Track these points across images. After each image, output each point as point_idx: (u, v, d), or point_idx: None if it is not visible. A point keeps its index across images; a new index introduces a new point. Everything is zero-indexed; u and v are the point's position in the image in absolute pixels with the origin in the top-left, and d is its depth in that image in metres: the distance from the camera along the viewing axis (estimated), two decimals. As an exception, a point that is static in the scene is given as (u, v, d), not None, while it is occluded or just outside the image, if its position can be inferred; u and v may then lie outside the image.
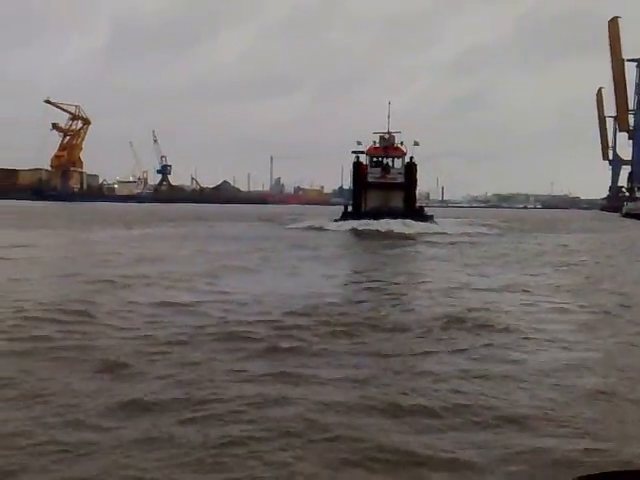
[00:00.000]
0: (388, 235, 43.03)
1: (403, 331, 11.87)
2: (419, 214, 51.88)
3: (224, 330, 11.53)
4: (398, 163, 52.79)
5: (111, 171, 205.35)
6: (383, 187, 51.62)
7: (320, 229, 47.41)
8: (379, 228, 45.77)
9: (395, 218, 48.31)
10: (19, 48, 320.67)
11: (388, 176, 51.84)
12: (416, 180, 53.34)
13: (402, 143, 52.89)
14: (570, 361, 9.87)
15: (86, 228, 45.39)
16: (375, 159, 52.93)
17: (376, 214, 49.41)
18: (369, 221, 48.04)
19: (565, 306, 15.11)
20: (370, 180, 51.98)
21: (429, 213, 54.94)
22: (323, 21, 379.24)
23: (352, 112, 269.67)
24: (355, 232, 45.22)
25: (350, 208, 52.56)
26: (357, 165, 52.94)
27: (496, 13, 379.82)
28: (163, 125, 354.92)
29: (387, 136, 52.73)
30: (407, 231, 45.13)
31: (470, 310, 13.85)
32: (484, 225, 62.12)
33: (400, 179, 51.86)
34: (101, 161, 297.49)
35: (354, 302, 15.31)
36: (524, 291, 17.57)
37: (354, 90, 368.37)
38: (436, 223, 52.02)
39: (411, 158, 52.58)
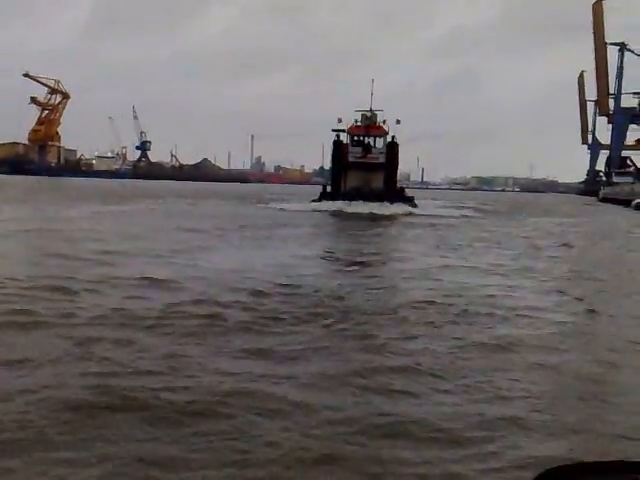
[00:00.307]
0: (367, 216, 41.49)
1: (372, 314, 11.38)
2: (400, 196, 50.01)
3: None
4: (380, 143, 50.68)
5: (90, 146, 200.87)
6: (364, 167, 49.57)
7: (296, 210, 45.43)
8: (358, 209, 44.03)
9: (375, 199, 46.51)
10: None
11: (369, 156, 49.75)
12: (397, 161, 51.39)
13: (384, 122, 50.86)
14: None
15: (62, 204, 43.31)
16: (356, 138, 50.76)
17: (355, 195, 47.56)
18: (348, 202, 46.18)
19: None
20: (351, 160, 49.88)
21: (410, 195, 53.10)
22: (310, 0, 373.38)
23: (336, 92, 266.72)
24: (332, 213, 43.40)
25: (329, 188, 50.48)
26: (337, 144, 50.79)
27: None
28: (144, 100, 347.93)
29: (369, 114, 50.54)
30: (386, 212, 43.61)
31: (444, 294, 13.42)
32: (463, 207, 60.67)
33: (381, 159, 49.79)
34: (80, 136, 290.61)
35: (325, 285, 14.42)
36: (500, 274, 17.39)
37: (339, 70, 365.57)
38: (416, 205, 50.23)
39: (393, 137, 50.61)
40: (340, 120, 49.90)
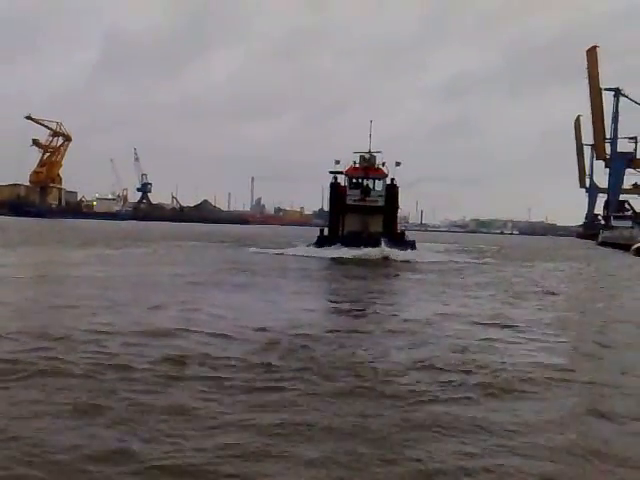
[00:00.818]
0: (366, 262, 38.82)
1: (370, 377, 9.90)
2: (400, 240, 47.22)
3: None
4: (379, 185, 48.06)
5: (91, 188, 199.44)
6: (362, 210, 46.87)
7: (293, 255, 42.74)
8: (356, 254, 41.29)
9: (374, 244, 43.71)
10: (5, 64, 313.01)
11: (368, 199, 47.08)
12: (397, 204, 48.76)
13: (384, 164, 48.33)
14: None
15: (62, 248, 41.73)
16: (354, 180, 48.17)
17: (354, 239, 44.79)
18: (346, 247, 43.44)
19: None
20: (349, 202, 47.20)
21: (410, 239, 50.34)
22: (313, 46, 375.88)
23: (337, 136, 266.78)
24: (330, 258, 40.69)
25: (326, 232, 47.66)
26: (334, 186, 48.17)
27: (482, 42, 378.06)
28: (146, 143, 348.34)
29: (368, 156, 48.04)
30: (386, 257, 40.89)
31: (446, 352, 11.90)
32: (465, 252, 57.98)
33: (381, 202, 47.12)
34: (81, 178, 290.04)
35: (318, 337, 13.04)
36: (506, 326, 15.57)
37: (340, 114, 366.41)
38: (417, 250, 47.45)
39: (392, 180, 48.01)
40: (338, 162, 47.45)
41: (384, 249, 42.23)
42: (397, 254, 42.33)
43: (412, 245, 47.77)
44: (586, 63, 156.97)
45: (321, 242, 45.94)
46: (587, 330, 16.15)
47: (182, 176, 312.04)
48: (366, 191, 47.41)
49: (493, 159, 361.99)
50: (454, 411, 8.28)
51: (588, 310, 20.59)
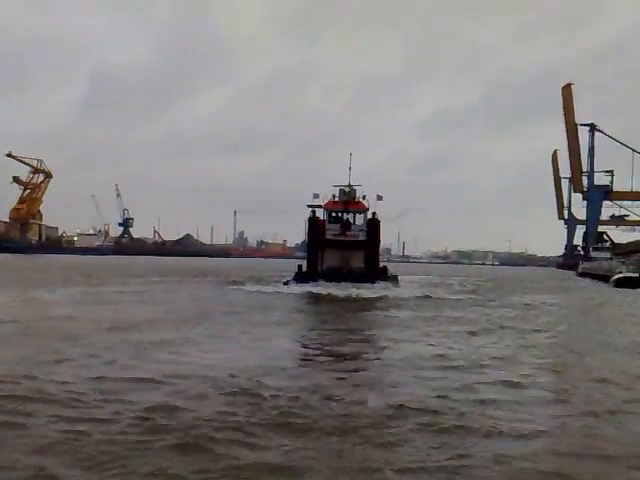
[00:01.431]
0: (346, 299, 36.05)
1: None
2: (382, 276, 44.42)
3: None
4: (359, 219, 45.37)
5: (73, 224, 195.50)
6: (342, 245, 44.11)
7: (270, 293, 39.65)
8: (336, 291, 38.51)
9: (355, 280, 40.96)
10: None
11: (348, 233, 44.33)
12: (379, 238, 46.07)
13: (364, 197, 45.70)
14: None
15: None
16: (334, 214, 45.46)
17: (334, 275, 41.98)
18: (325, 283, 40.57)
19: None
20: (328, 237, 44.43)
21: (393, 273, 47.55)
22: (299, 83, 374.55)
23: (321, 170, 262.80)
24: (308, 296, 37.80)
25: (305, 268, 44.72)
26: (313, 221, 44.84)
27: (464, 79, 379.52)
28: (129, 178, 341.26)
29: (347, 189, 45.44)
30: (367, 295, 38.09)
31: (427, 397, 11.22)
32: (449, 285, 55.39)
33: (362, 237, 44.35)
34: (63, 214, 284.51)
35: (293, 385, 12.01)
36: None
37: (325, 149, 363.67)
38: (399, 286, 44.69)
39: (374, 214, 45.34)
40: (316, 195, 44.80)
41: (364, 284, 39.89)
42: (377, 289, 39.73)
43: (394, 280, 45.10)
44: (561, 100, 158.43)
45: (299, 278, 43.03)
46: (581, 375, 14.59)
47: (164, 210, 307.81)
48: (346, 225, 44.72)
49: (474, 192, 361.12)
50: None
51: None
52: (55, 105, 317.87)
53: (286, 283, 43.48)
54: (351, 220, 45.31)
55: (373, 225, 44.76)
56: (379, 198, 44.86)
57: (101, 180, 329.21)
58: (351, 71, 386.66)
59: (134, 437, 8.54)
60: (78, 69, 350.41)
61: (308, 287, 40.21)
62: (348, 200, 44.94)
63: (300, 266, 44.96)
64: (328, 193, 45.55)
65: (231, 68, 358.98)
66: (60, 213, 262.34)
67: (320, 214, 45.51)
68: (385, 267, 46.98)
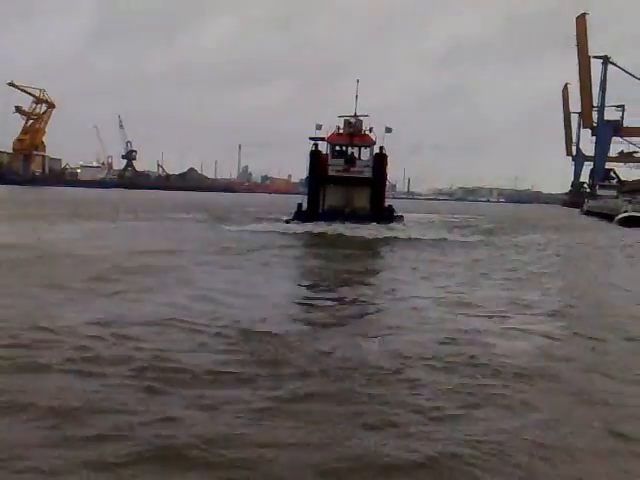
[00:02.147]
0: (349, 241, 32.28)
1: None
2: (388, 216, 40.22)
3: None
4: (365, 154, 40.75)
5: (75, 156, 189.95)
6: (346, 182, 39.77)
7: (269, 232, 35.71)
8: (338, 232, 34.77)
9: (359, 221, 36.92)
10: None
11: (353, 169, 39.88)
12: (386, 175, 41.61)
13: (371, 130, 40.99)
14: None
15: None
16: (338, 148, 40.86)
17: (336, 215, 37.92)
18: (327, 223, 36.54)
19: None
20: (331, 173, 40.03)
21: (398, 213, 43.33)
22: (310, 13, 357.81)
23: (329, 104, 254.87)
24: (308, 236, 33.99)
25: (305, 206, 40.43)
26: (315, 155, 39.80)
27: (479, 9, 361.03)
28: (132, 111, 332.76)
29: (353, 120, 40.69)
30: (373, 236, 34.29)
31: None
32: (455, 225, 51.36)
33: (367, 173, 39.86)
34: (65, 145, 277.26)
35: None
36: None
37: (333, 82, 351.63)
38: (405, 225, 40.59)
39: (381, 149, 40.69)
40: (319, 127, 39.83)
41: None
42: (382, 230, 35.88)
43: (400, 220, 41.06)
44: (575, 30, 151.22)
45: (299, 217, 38.94)
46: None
47: (168, 144, 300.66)
48: (351, 160, 40.22)
49: (481, 127, 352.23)
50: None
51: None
52: (59, 35, 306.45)
53: (287, 222, 39.46)
54: (356, 155, 40.82)
55: (380, 161, 40.25)
56: (388, 130, 40.18)
57: (105, 112, 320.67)
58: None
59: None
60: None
61: (307, 227, 36.24)
62: (353, 132, 40.25)
63: (300, 204, 40.63)
64: (333, 124, 40.91)
65: None
66: (64, 145, 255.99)
67: (323, 148, 41.00)
68: (391, 206, 42.71)
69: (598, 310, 15.07)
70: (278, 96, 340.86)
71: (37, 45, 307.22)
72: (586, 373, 9.31)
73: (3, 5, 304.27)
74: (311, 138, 39.97)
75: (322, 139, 40.38)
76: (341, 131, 40.55)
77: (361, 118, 40.85)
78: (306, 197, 40.83)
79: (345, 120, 40.78)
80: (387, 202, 42.86)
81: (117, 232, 32.69)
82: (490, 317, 13.08)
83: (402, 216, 42.83)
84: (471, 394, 7.99)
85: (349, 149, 40.67)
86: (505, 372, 9.00)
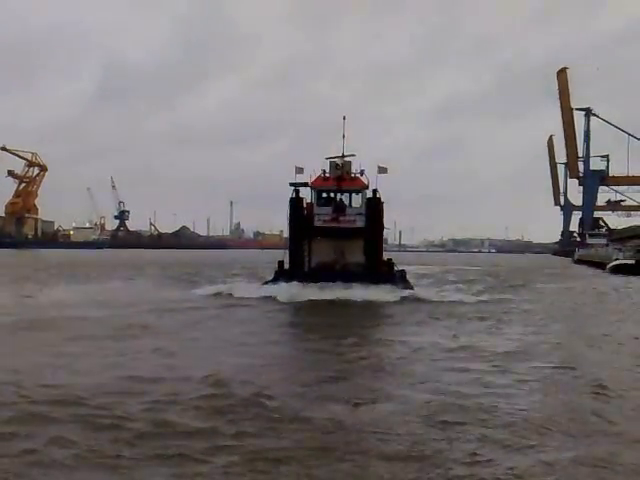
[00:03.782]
0: (343, 306, 24.69)
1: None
2: (388, 273, 31.97)
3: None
4: (357, 200, 32.75)
5: (70, 217, 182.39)
6: (336, 234, 31.69)
7: (240, 298, 27.72)
8: (329, 296, 26.89)
9: (354, 280, 28.81)
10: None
11: (343, 218, 31.85)
12: (382, 222, 33.34)
13: (362, 173, 33.11)
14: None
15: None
16: (325, 195, 32.96)
17: (324, 274, 29.78)
18: (314, 285, 28.39)
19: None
20: (317, 224, 32.03)
21: (400, 268, 35.30)
22: (306, 74, 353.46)
23: (322, 158, 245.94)
24: (292, 302, 26.23)
25: (287, 265, 31.98)
26: (295, 202, 31.27)
27: (474, 66, 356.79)
28: (126, 171, 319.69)
29: (341, 162, 32.85)
30: (372, 298, 26.72)
31: None
32: (466, 282, 43.60)
33: (360, 222, 31.62)
34: (60, 207, 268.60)
35: None
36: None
37: (327, 139, 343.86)
38: (410, 286, 32.09)
39: (374, 192, 32.72)
40: (300, 170, 31.70)
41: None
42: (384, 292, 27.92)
43: (404, 279, 32.88)
44: (557, 84, 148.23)
45: (280, 278, 30.60)
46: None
47: (161, 203, 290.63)
48: (340, 208, 32.24)
49: (474, 179, 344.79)
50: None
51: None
52: (59, 100, 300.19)
53: (266, 283, 31.20)
54: (346, 201, 32.93)
55: (374, 206, 32.24)
56: (382, 171, 32.23)
57: (99, 173, 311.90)
58: (361, 60, 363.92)
59: None
60: (84, 63, 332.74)
61: (291, 291, 28.07)
62: (342, 176, 32.35)
63: (281, 262, 32.36)
64: (318, 167, 33.12)
65: (242, 59, 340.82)
66: (57, 207, 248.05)
67: (307, 196, 32.99)
68: (390, 260, 34.66)
69: None
70: (273, 152, 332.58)
71: (36, 109, 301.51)
72: None
73: (4, 69, 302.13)
74: (292, 184, 31.97)
75: (305, 184, 32.42)
76: (328, 174, 32.69)
77: (348, 159, 33.02)
78: (278, 262, 32.49)
79: (331, 162, 32.82)
80: (386, 257, 34.85)
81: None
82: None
83: (404, 271, 34.76)
84: None
85: (338, 195, 32.81)
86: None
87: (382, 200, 32.10)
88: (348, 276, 29.21)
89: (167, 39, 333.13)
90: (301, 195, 32.11)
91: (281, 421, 8.54)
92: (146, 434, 7.96)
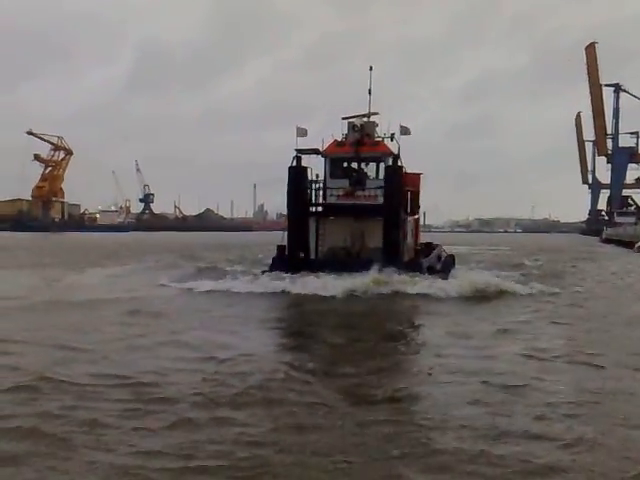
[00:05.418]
0: (361, 306, 17.87)
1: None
2: (413, 260, 24.27)
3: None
4: (381, 170, 25.15)
5: (93, 200, 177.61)
6: (353, 212, 24.16)
7: (232, 292, 20.62)
8: (340, 289, 19.69)
9: (375, 268, 21.49)
10: (33, 78, 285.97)
11: (361, 193, 24.30)
12: (403, 194, 25.37)
13: (392, 137, 25.22)
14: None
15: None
16: (342, 164, 25.38)
17: (339, 262, 22.46)
18: (324, 275, 21.16)
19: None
20: (330, 201, 24.58)
21: (443, 252, 27.57)
22: (339, 54, 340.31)
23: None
24: (291, 296, 19.55)
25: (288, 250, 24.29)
26: (296, 172, 23.58)
27: (509, 44, 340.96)
28: (150, 154, 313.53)
29: (361, 122, 25.02)
30: (402, 290, 20.14)
31: None
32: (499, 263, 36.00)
33: (383, 197, 24.14)
34: (84, 190, 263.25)
35: None
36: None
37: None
38: (447, 275, 24.27)
39: (395, 158, 24.10)
40: (303, 132, 23.75)
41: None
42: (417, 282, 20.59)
43: (446, 267, 25.29)
44: (585, 60, 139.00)
45: (277, 268, 23.07)
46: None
47: (185, 185, 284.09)
48: (358, 181, 24.71)
49: (499, 159, 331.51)
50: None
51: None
52: (93, 84, 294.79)
53: (265, 272, 23.78)
54: (372, 173, 25.32)
55: (393, 176, 24.28)
56: (404, 132, 24.43)
57: (126, 157, 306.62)
58: (395, 39, 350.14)
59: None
60: (119, 47, 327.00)
61: (297, 283, 20.85)
62: (361, 140, 24.68)
63: (281, 247, 24.64)
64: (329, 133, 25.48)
65: (275, 40, 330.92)
66: (83, 190, 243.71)
67: (320, 166, 25.42)
68: (430, 244, 26.92)
69: None
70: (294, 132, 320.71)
71: (70, 93, 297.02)
72: None
73: (40, 54, 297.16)
74: (297, 151, 24.39)
75: (316, 151, 24.91)
76: (345, 139, 25.08)
77: (371, 119, 25.34)
78: (277, 246, 24.85)
79: (349, 123, 25.18)
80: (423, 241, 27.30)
81: None
82: None
83: (451, 257, 27.00)
84: None
85: (360, 164, 25.26)
86: None
87: (402, 168, 24.32)
88: (361, 265, 21.64)
89: (203, 22, 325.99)
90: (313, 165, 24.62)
91: None
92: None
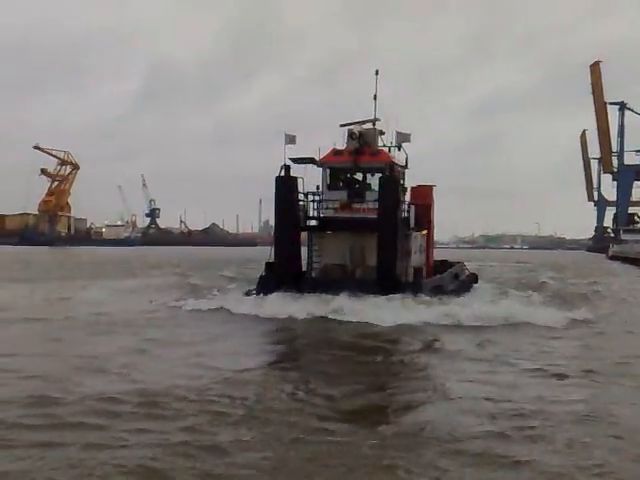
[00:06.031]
0: (357, 334, 15.65)
1: None
2: (413, 282, 21.67)
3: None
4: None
5: (100, 215, 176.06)
6: (351, 227, 21.69)
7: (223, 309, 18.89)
8: (338, 315, 17.66)
9: (376, 290, 19.03)
10: (40, 94, 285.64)
11: (359, 206, 21.87)
12: (401, 208, 22.59)
13: (400, 147, 22.75)
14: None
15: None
16: (341, 175, 22.92)
17: (336, 282, 19.98)
18: (316, 297, 18.70)
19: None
20: (326, 214, 22.18)
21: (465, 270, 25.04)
22: (353, 70, 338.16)
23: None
24: (282, 322, 17.33)
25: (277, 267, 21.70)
26: (283, 182, 21.25)
27: (517, 63, 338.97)
28: (157, 169, 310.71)
29: (359, 130, 22.61)
30: (405, 320, 17.20)
31: None
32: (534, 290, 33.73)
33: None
34: (93, 205, 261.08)
35: None
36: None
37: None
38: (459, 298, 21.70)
39: (391, 167, 21.84)
40: (291, 139, 21.54)
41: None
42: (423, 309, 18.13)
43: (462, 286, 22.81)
44: (589, 78, 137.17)
45: (265, 288, 20.55)
46: None
47: (192, 200, 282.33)
48: (357, 192, 22.31)
49: (504, 176, 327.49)
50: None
51: None
52: (103, 100, 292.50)
53: (248, 294, 21.30)
54: (372, 184, 22.85)
55: (388, 187, 21.61)
56: (402, 138, 21.89)
57: (131, 172, 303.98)
58: (405, 58, 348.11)
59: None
60: (130, 64, 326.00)
61: (285, 304, 18.43)
62: (360, 148, 22.29)
63: (269, 264, 22.21)
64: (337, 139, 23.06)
65: (284, 58, 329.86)
66: (90, 205, 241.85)
67: (318, 177, 22.96)
68: (446, 262, 24.45)
69: None
70: (306, 149, 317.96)
71: (80, 109, 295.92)
72: None
73: (52, 69, 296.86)
74: (292, 159, 22.01)
75: (311, 161, 22.50)
76: (345, 146, 22.66)
77: (370, 125, 22.93)
78: (265, 263, 22.48)
79: (349, 131, 22.81)
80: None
81: None
82: None
83: (474, 275, 24.49)
84: None
85: (353, 175, 22.85)
86: None
87: (398, 179, 21.95)
88: (365, 286, 19.13)
89: (213, 38, 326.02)
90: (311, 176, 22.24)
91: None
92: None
